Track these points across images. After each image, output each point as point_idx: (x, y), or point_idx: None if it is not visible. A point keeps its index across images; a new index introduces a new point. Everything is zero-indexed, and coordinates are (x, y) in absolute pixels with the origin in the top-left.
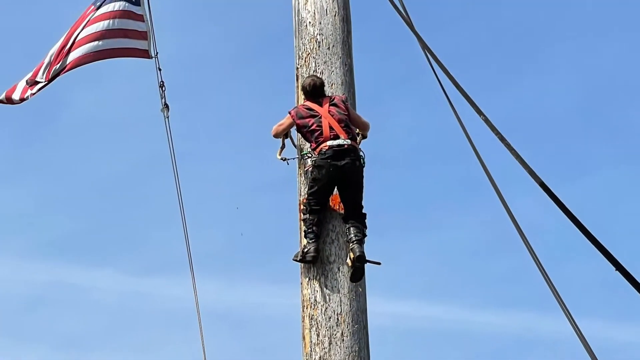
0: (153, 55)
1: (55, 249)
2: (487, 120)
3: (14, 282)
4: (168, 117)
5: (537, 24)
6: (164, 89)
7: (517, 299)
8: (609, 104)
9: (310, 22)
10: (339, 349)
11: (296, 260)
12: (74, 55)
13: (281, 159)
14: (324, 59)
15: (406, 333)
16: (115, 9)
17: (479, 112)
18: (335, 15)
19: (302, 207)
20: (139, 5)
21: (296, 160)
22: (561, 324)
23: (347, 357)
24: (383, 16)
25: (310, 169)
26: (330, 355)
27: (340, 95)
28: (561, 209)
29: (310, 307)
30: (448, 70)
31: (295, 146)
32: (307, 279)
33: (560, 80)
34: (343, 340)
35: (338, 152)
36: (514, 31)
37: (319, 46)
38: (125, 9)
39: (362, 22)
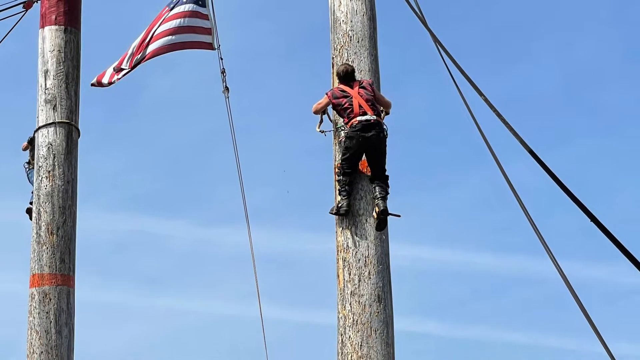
0: (216, 47)
1: (138, 204)
2: (486, 100)
3: (104, 230)
4: (228, 98)
5: (528, 22)
6: (225, 74)
7: (511, 244)
8: (585, 87)
9: (343, 21)
10: (366, 285)
11: (332, 213)
12: (152, 47)
13: (320, 131)
14: (354, 51)
15: (421, 272)
16: (185, 10)
17: (480, 93)
18: (363, 15)
19: (336, 170)
20: (205, 6)
21: (332, 132)
22: (547, 265)
23: (373, 291)
24: (402, 15)
25: (343, 140)
26: (359, 290)
27: (368, 79)
28: (546, 172)
29: (343, 251)
30: (455, 59)
31: (331, 121)
32: (341, 228)
33: (546, 67)
34: (370, 278)
35: (366, 126)
36: (508, 28)
37: (350, 40)
38: (193, 9)
39: (386, 20)
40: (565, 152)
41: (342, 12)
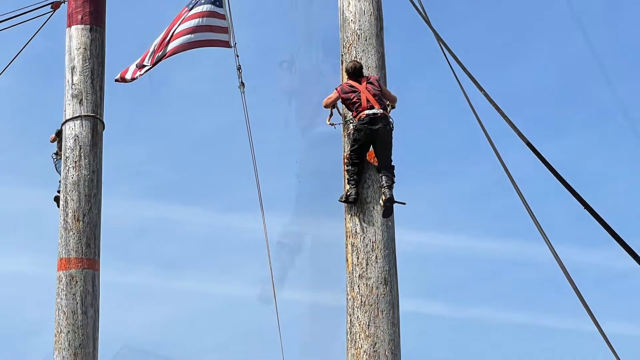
0: (232, 45)
1: (159, 192)
2: (486, 95)
3: (127, 217)
4: (244, 92)
5: (526, 21)
6: (240, 70)
7: (510, 230)
8: (579, 82)
9: (352, 20)
10: (373, 269)
11: (341, 201)
12: (172, 45)
13: (330, 124)
14: (362, 48)
15: (425, 256)
16: (203, 10)
17: (480, 88)
18: (371, 15)
19: (345, 160)
20: (222, 6)
21: (341, 125)
22: (543, 249)
23: (379, 274)
24: (407, 15)
25: (351, 132)
26: (367, 273)
27: (375, 75)
28: (543, 162)
29: (352, 236)
30: (456, 56)
31: (340, 114)
32: (350, 215)
33: (543, 64)
34: (377, 261)
35: (373, 119)
36: (507, 27)
37: (358, 38)
38: (211, 9)
39: (392, 19)
40: (561, 143)
41: (351, 12)
